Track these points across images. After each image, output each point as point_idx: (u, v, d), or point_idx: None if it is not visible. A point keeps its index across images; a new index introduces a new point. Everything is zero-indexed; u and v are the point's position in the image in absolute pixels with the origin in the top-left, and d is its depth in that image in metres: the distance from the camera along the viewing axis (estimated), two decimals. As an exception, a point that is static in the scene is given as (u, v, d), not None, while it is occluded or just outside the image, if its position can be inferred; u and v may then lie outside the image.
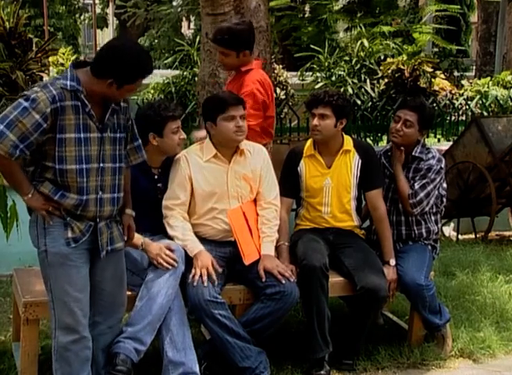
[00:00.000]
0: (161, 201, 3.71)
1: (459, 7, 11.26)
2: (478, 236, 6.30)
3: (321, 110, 3.83)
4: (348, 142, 3.97)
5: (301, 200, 4.03)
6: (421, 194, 3.95)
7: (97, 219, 3.02)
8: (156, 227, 3.69)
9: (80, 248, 3.00)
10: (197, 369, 3.42)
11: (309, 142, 4.00)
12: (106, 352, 3.26)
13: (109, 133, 3.01)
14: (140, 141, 3.24)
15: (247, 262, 3.62)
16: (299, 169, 3.98)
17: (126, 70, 2.88)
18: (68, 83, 2.89)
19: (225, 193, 3.69)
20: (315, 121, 3.86)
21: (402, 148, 4.02)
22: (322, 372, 3.66)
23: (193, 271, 3.49)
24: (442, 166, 4.03)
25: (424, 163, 4.00)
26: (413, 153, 4.02)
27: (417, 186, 3.96)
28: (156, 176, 3.75)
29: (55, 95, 2.84)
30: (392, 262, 3.87)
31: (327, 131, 3.85)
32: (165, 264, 3.42)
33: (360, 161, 3.93)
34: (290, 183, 3.98)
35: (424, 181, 3.97)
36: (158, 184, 3.75)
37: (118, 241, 3.13)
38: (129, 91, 2.97)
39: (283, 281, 3.54)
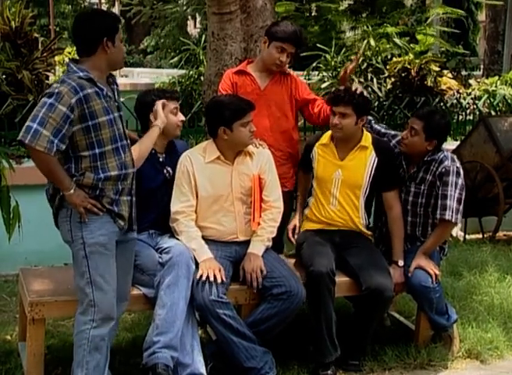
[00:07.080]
0: (170, 187, 3.68)
1: (463, 12, 11.17)
2: (485, 236, 6.27)
3: (342, 109, 3.80)
4: (367, 138, 3.93)
5: (311, 188, 4.03)
6: (454, 205, 3.78)
7: (132, 192, 3.16)
8: (163, 221, 3.67)
9: (113, 238, 3.10)
10: (203, 370, 3.42)
11: (327, 133, 3.98)
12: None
13: (120, 113, 3.18)
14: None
15: (253, 227, 3.68)
16: (311, 155, 3.98)
17: (108, 21, 3.07)
18: (80, 73, 3.01)
19: (229, 194, 3.68)
20: (336, 120, 3.83)
21: None
22: (329, 372, 3.66)
23: (199, 272, 3.48)
24: (458, 165, 3.87)
25: (438, 166, 3.86)
26: (425, 158, 3.89)
27: (448, 201, 3.79)
28: (161, 159, 3.73)
29: (75, 86, 2.95)
30: (401, 262, 3.86)
31: (348, 130, 3.83)
32: None
33: (376, 159, 3.89)
34: (307, 167, 4.08)
35: (448, 189, 3.80)
36: (167, 168, 3.73)
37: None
38: (121, 41, 3.11)
39: (254, 284, 3.54)
